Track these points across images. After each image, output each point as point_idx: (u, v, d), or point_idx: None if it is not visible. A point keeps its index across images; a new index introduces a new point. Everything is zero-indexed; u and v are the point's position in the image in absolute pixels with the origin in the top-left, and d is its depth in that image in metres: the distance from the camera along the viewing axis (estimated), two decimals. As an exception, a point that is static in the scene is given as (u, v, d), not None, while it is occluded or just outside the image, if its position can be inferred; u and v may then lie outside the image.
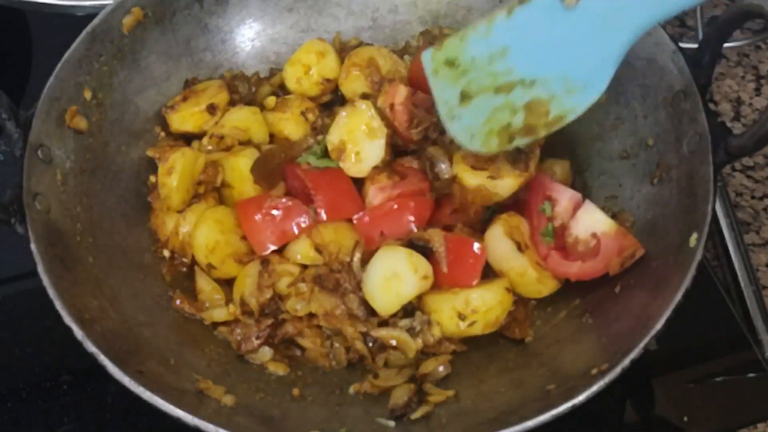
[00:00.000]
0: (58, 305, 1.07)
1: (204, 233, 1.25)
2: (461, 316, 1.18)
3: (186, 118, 1.37)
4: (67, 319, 1.06)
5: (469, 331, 1.20)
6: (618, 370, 1.02)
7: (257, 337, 1.21)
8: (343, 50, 1.46)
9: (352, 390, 1.18)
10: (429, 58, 1.21)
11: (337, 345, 1.21)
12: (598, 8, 1.09)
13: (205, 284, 1.26)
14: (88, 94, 1.29)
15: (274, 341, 1.22)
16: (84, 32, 1.29)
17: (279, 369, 1.20)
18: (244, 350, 1.21)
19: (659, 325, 1.04)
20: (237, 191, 1.31)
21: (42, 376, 1.31)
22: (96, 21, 1.30)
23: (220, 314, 1.23)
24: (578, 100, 1.14)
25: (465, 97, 1.20)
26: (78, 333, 1.06)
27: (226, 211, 1.29)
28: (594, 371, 1.04)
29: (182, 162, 1.26)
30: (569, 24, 1.11)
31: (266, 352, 1.22)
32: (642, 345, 1.03)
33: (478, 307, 1.18)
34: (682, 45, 1.25)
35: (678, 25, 1.76)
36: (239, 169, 1.30)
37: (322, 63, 1.42)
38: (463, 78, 1.20)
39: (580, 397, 1.01)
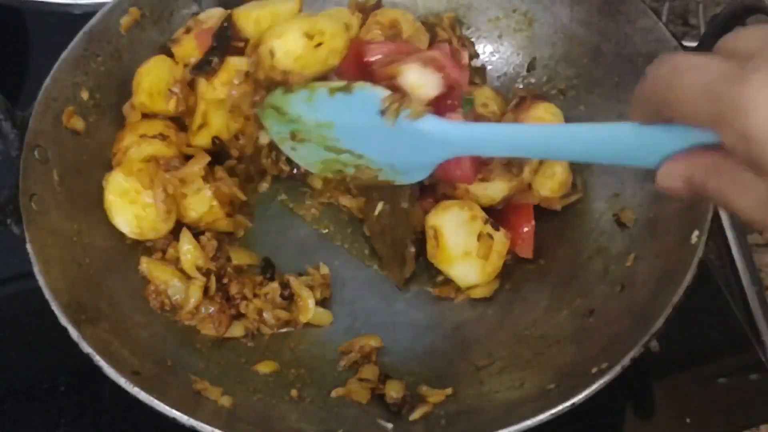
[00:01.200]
0: (54, 306, 1.07)
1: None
2: (309, 35, 1.14)
3: (190, 50, 1.33)
4: (63, 320, 1.06)
5: (317, 57, 1.15)
6: (618, 368, 1.01)
7: (221, 312, 1.21)
8: (362, 10, 1.41)
9: (334, 394, 1.17)
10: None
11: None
12: (413, 133, 1.10)
13: (160, 272, 1.23)
14: (85, 95, 1.28)
15: (237, 312, 1.23)
16: (81, 32, 1.28)
17: (266, 368, 1.19)
18: (225, 333, 1.21)
19: (660, 323, 1.03)
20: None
21: (39, 377, 1.30)
22: (93, 21, 1.29)
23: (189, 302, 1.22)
24: (403, 179, 1.20)
25: (295, 137, 1.22)
26: (74, 334, 1.05)
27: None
28: (594, 370, 1.03)
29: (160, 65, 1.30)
30: (388, 131, 1.11)
31: (238, 327, 1.23)
32: (643, 343, 1.02)
33: (325, 29, 1.15)
34: (685, 44, 1.24)
35: (680, 23, 1.75)
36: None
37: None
38: (291, 125, 1.20)
39: (580, 396, 1.00)
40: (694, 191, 0.77)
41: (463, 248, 1.23)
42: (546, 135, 0.99)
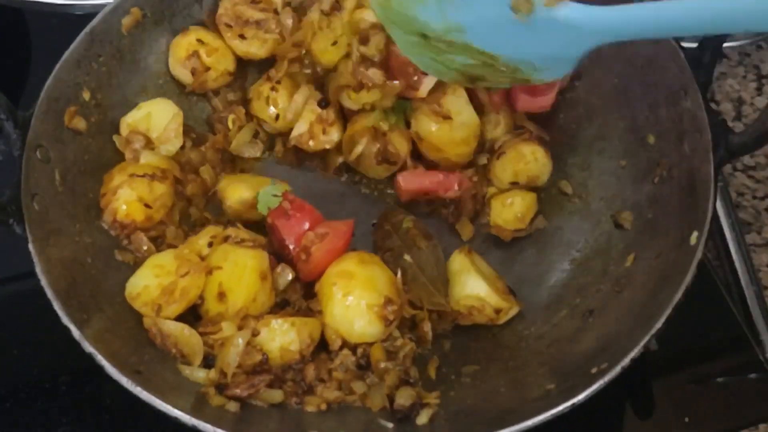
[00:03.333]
0: (56, 305, 1.07)
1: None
2: None
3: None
4: (65, 319, 1.06)
5: None
6: (618, 369, 1.02)
7: (252, 386, 1.11)
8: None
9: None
10: (378, 6, 1.17)
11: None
12: (552, 24, 1.02)
13: (174, 329, 1.14)
14: (86, 95, 1.28)
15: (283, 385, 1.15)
16: (83, 32, 1.28)
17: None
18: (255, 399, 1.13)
19: (660, 324, 1.04)
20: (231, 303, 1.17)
21: (41, 376, 1.30)
22: (95, 21, 1.30)
23: (198, 376, 1.13)
24: (543, 75, 1.13)
25: (425, 45, 1.15)
26: (75, 333, 1.05)
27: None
28: (594, 370, 1.04)
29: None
30: (524, 25, 1.04)
31: (277, 393, 1.13)
32: (642, 343, 1.03)
33: None
34: (683, 44, 1.24)
35: (679, 24, 1.75)
36: (242, 265, 1.18)
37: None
38: (419, 33, 1.14)
39: (580, 396, 1.00)
40: None
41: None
42: (688, 7, 0.91)
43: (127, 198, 1.23)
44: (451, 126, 1.27)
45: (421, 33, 1.14)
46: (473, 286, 1.21)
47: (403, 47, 1.19)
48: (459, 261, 1.24)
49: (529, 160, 1.32)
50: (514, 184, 1.33)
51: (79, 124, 1.27)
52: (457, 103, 1.26)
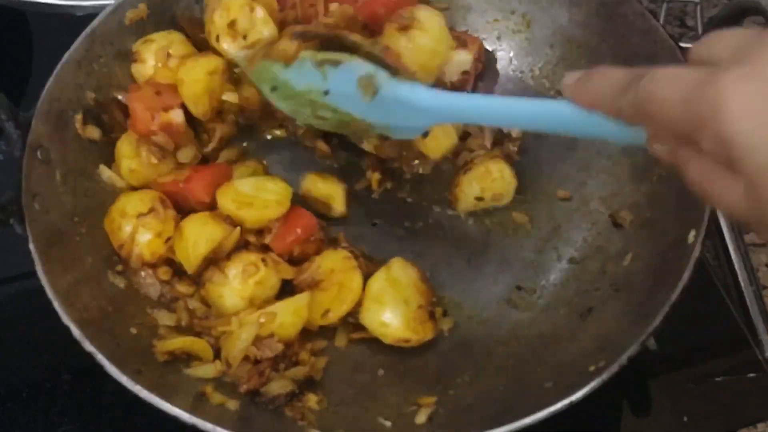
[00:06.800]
0: (57, 305, 1.07)
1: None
2: None
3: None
4: (65, 319, 1.06)
5: None
6: (616, 367, 1.02)
7: (261, 374, 1.13)
8: None
9: None
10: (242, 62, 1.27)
11: None
12: (397, 101, 1.11)
13: (179, 343, 1.15)
14: (87, 96, 1.28)
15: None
16: (83, 33, 1.28)
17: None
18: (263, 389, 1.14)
19: (657, 322, 1.04)
20: None
21: (42, 375, 1.30)
22: (95, 23, 1.30)
23: (207, 371, 1.14)
24: (396, 136, 1.20)
25: (285, 97, 1.21)
26: (76, 332, 1.06)
27: None
28: (592, 368, 1.04)
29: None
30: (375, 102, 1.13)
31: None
32: (640, 341, 1.03)
33: None
34: (682, 45, 1.25)
35: (678, 25, 1.76)
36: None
37: None
38: (279, 89, 1.20)
39: (578, 394, 1.00)
40: (678, 165, 0.78)
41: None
42: (511, 108, 1.02)
43: (146, 240, 1.21)
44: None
45: (282, 88, 1.20)
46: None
47: (267, 95, 1.23)
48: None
49: (496, 177, 1.31)
50: (480, 200, 1.32)
51: (93, 133, 1.27)
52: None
